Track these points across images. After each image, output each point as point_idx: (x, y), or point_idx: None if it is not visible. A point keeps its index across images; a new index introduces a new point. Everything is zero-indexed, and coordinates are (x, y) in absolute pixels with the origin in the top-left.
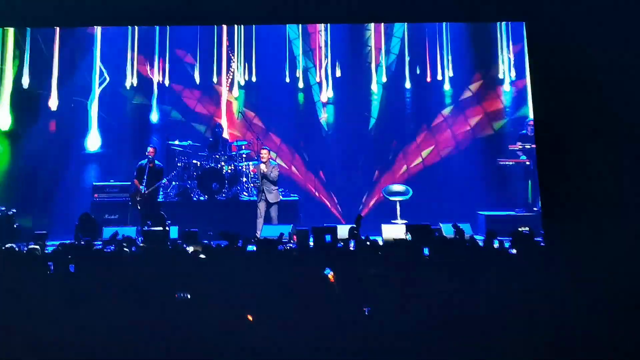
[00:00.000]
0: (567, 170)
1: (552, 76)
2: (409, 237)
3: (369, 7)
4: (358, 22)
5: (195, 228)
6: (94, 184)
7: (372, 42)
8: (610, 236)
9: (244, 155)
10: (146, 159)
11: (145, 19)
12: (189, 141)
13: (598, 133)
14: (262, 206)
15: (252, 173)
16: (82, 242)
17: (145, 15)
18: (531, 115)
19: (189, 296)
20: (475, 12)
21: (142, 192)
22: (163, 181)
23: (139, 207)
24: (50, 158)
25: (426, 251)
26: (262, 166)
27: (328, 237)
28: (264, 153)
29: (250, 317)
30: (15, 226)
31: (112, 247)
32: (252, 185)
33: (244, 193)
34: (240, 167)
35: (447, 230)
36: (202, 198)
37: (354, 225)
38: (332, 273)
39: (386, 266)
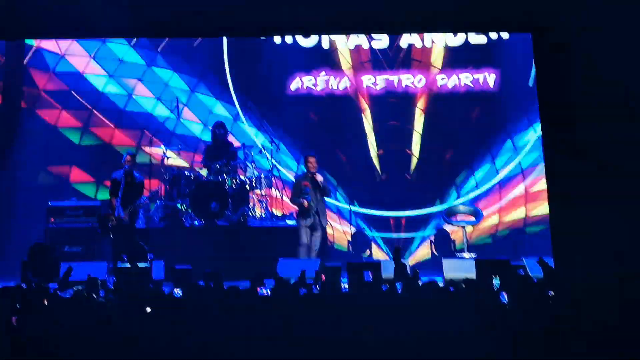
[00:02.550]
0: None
1: (561, 90)
2: (496, 281)
3: (371, 18)
4: (359, 33)
5: (187, 264)
6: (50, 204)
7: None
8: None
9: (254, 164)
10: (122, 170)
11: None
12: (179, 145)
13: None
14: (306, 232)
15: (303, 186)
16: (32, 285)
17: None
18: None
19: None
20: (482, 23)
21: (116, 215)
22: (144, 199)
23: (111, 236)
24: None
25: (504, 297)
26: (319, 177)
27: (368, 276)
28: (313, 161)
29: None
30: None
31: (69, 293)
32: (303, 202)
33: (254, 215)
34: (250, 181)
35: (532, 267)
36: (196, 223)
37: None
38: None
39: (449, 317)
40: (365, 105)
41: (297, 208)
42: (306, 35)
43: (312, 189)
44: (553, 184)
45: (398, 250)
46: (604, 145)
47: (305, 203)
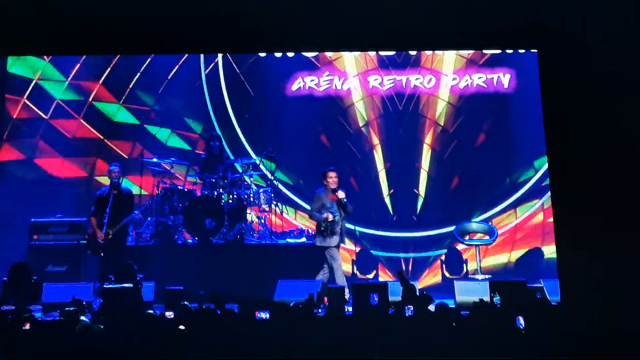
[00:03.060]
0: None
1: (567, 108)
2: (496, 299)
3: (377, 36)
4: (365, 50)
5: (179, 285)
6: (33, 220)
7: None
8: None
9: (251, 178)
10: (107, 186)
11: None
12: (172, 158)
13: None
14: (336, 251)
15: (329, 200)
16: (13, 307)
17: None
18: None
19: None
20: (487, 40)
21: (104, 232)
22: (135, 214)
23: (100, 254)
24: None
25: (521, 321)
26: (341, 193)
27: (374, 299)
28: (333, 176)
29: None
30: None
31: (52, 316)
32: (327, 215)
33: (252, 232)
34: (247, 196)
35: (551, 289)
36: (190, 241)
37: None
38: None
39: (461, 343)
40: (371, 114)
41: (315, 225)
42: (312, 50)
43: (335, 207)
44: (559, 205)
45: (401, 273)
46: (609, 162)
47: (330, 216)
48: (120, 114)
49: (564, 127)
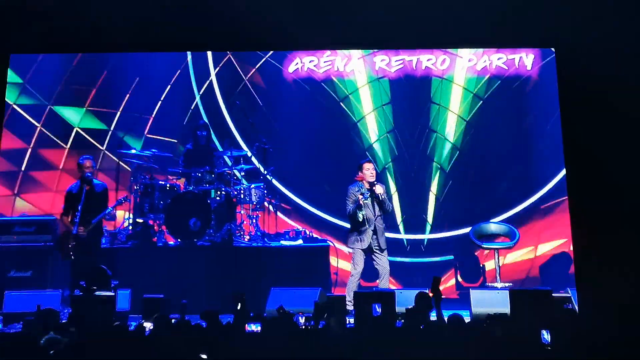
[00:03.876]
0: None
1: (584, 108)
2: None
3: (390, 34)
4: (378, 49)
5: (159, 293)
6: None
7: None
8: None
9: (243, 174)
10: (78, 181)
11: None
12: (153, 149)
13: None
14: (361, 256)
15: (353, 196)
16: None
17: None
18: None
19: None
20: (503, 38)
21: (75, 232)
22: (109, 211)
23: (70, 257)
24: None
25: (546, 336)
26: (380, 188)
27: (377, 309)
28: (370, 167)
29: None
30: None
31: (14, 327)
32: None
33: (242, 233)
34: (237, 193)
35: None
36: (172, 243)
37: (428, 293)
38: None
39: None
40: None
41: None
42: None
43: (369, 202)
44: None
45: (438, 280)
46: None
47: (361, 197)
48: (86, 120)
49: (582, 130)
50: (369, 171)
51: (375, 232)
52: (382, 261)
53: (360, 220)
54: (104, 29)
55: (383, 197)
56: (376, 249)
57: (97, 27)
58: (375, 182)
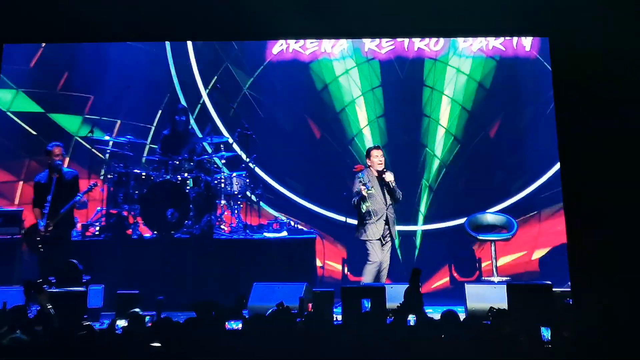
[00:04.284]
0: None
1: (578, 96)
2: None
3: (383, 22)
4: (371, 37)
5: (134, 289)
6: None
7: None
8: None
9: (224, 162)
10: (46, 170)
11: None
12: (128, 135)
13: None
14: (375, 246)
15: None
16: None
17: None
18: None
19: None
20: (498, 27)
21: (44, 224)
22: (78, 198)
23: (39, 251)
24: None
25: (546, 333)
26: (389, 175)
27: (367, 304)
28: (379, 154)
29: None
30: None
31: None
32: (365, 206)
33: (222, 225)
34: (217, 182)
35: None
36: (148, 235)
37: (409, 286)
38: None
39: None
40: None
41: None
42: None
43: (379, 188)
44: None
45: (417, 272)
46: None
47: (363, 188)
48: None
49: (577, 124)
50: (377, 158)
51: (387, 222)
52: (388, 253)
53: (364, 211)
54: (74, 18)
55: (393, 185)
56: (386, 241)
57: (68, 16)
58: (385, 170)
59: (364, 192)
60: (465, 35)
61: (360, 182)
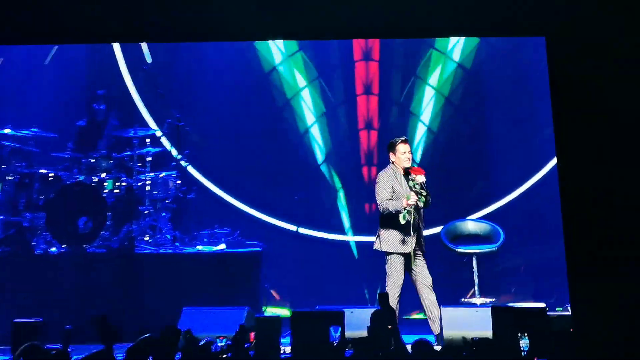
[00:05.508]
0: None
1: (576, 97)
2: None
3: (380, 22)
4: (368, 37)
5: (36, 317)
6: None
7: None
8: None
9: (150, 159)
10: None
11: None
12: (33, 128)
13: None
14: (400, 261)
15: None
16: None
17: None
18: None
19: None
20: (494, 26)
21: None
22: None
23: None
24: None
25: None
26: (422, 176)
27: (334, 333)
28: (408, 149)
29: None
30: None
31: None
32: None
33: (147, 236)
34: (141, 184)
35: None
36: (55, 249)
37: (378, 309)
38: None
39: None
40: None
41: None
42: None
43: (406, 190)
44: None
45: (385, 296)
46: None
47: (413, 197)
48: None
49: (575, 123)
50: (405, 154)
51: (418, 231)
52: (424, 270)
53: (403, 223)
54: None
55: (425, 187)
56: (418, 255)
57: None
58: (412, 166)
59: (412, 202)
60: (460, 35)
61: (396, 181)
